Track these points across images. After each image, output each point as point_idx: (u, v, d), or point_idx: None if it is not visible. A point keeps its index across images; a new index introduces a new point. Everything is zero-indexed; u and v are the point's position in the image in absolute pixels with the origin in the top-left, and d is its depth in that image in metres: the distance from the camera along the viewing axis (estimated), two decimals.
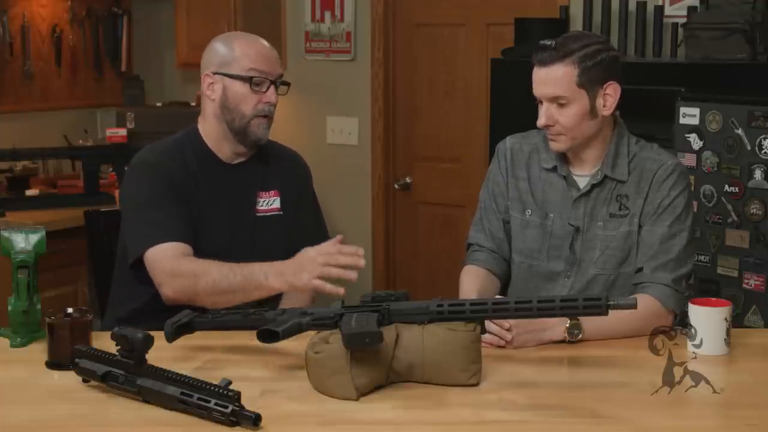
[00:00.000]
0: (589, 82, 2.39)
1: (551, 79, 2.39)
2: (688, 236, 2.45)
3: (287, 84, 2.64)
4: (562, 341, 2.27)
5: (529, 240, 2.55)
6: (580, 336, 2.28)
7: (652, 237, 2.43)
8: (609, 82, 2.41)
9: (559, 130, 2.43)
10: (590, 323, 2.27)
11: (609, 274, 2.47)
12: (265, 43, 2.63)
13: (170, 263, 2.44)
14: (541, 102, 2.44)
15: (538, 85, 2.43)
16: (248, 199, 2.65)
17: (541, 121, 2.44)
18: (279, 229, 2.67)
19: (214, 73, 2.58)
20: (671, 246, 2.42)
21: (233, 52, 2.57)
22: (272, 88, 2.58)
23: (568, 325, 2.27)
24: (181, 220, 2.52)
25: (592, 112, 2.42)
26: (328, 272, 2.23)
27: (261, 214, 2.66)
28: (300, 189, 2.75)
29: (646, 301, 2.31)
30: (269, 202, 2.67)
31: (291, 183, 2.72)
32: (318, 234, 2.74)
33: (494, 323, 2.23)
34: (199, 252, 2.52)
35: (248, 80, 2.55)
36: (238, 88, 2.56)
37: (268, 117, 2.59)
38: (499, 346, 2.24)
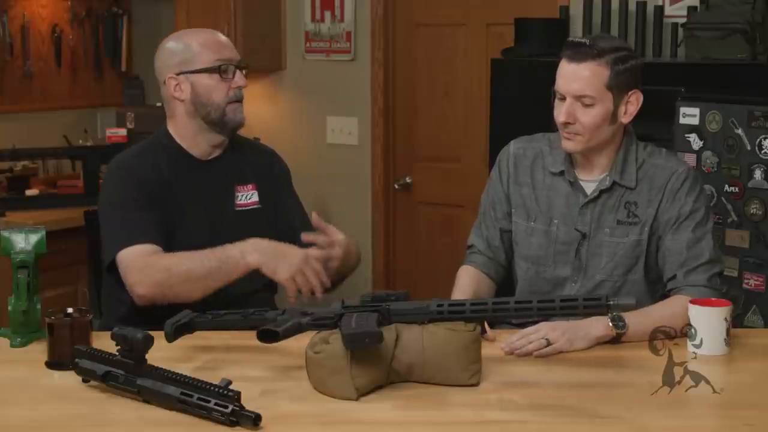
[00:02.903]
0: (618, 87, 2.37)
1: (581, 76, 2.36)
2: (713, 236, 2.44)
3: (247, 67, 2.66)
4: (613, 338, 2.24)
5: (534, 247, 2.54)
6: (626, 328, 2.23)
7: (677, 244, 2.41)
8: (633, 90, 2.40)
9: (578, 130, 2.40)
10: (634, 319, 2.23)
11: (615, 281, 2.47)
12: (217, 32, 2.66)
13: (141, 260, 2.42)
14: (564, 98, 2.40)
15: (565, 80, 2.39)
16: (227, 195, 2.65)
17: (561, 118, 2.40)
18: (259, 222, 2.66)
19: (178, 74, 2.57)
20: (700, 249, 2.40)
21: (192, 48, 2.57)
22: (238, 72, 2.60)
23: (610, 319, 2.23)
24: (153, 222, 2.51)
25: (613, 117, 2.40)
26: (302, 279, 2.32)
27: (240, 209, 2.66)
28: (277, 182, 2.75)
29: (683, 303, 2.26)
30: (248, 196, 2.67)
31: (267, 176, 2.72)
32: (304, 225, 2.75)
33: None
34: (181, 250, 2.52)
35: (216, 70, 2.56)
36: (206, 80, 2.56)
37: (240, 101, 2.61)
38: (544, 354, 2.19)
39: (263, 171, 2.72)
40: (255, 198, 2.68)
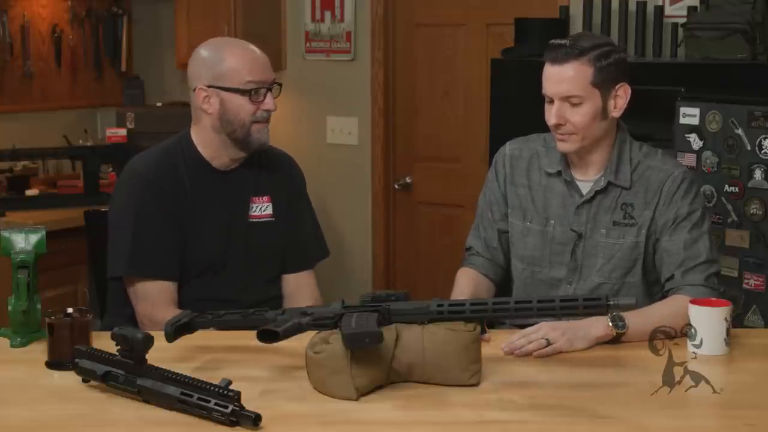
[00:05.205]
0: (604, 82, 2.37)
1: (565, 77, 2.36)
2: (710, 237, 2.45)
3: (280, 84, 2.62)
4: (612, 338, 2.23)
5: (530, 247, 2.54)
6: (626, 328, 2.22)
7: (675, 245, 2.42)
8: (620, 84, 2.41)
9: (571, 129, 2.40)
10: (634, 319, 2.23)
11: (614, 283, 2.47)
12: (255, 49, 2.58)
13: (155, 313, 2.45)
14: (552, 101, 2.40)
15: (551, 83, 2.39)
16: (241, 206, 2.63)
17: (552, 121, 2.40)
18: (271, 235, 2.65)
19: (209, 87, 2.52)
20: (697, 250, 2.41)
21: (226, 64, 2.51)
22: (269, 94, 2.55)
23: (610, 320, 2.23)
24: (170, 243, 2.52)
25: (604, 112, 2.40)
26: None
27: (254, 220, 2.64)
28: (293, 195, 2.73)
29: (682, 302, 2.27)
30: (262, 208, 2.65)
31: (283, 189, 2.70)
32: (314, 239, 2.75)
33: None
34: (193, 261, 2.53)
35: (247, 93, 2.51)
36: (237, 100, 2.51)
37: (267, 121, 2.57)
38: (544, 354, 2.19)
39: (280, 183, 2.70)
40: (269, 210, 2.66)
